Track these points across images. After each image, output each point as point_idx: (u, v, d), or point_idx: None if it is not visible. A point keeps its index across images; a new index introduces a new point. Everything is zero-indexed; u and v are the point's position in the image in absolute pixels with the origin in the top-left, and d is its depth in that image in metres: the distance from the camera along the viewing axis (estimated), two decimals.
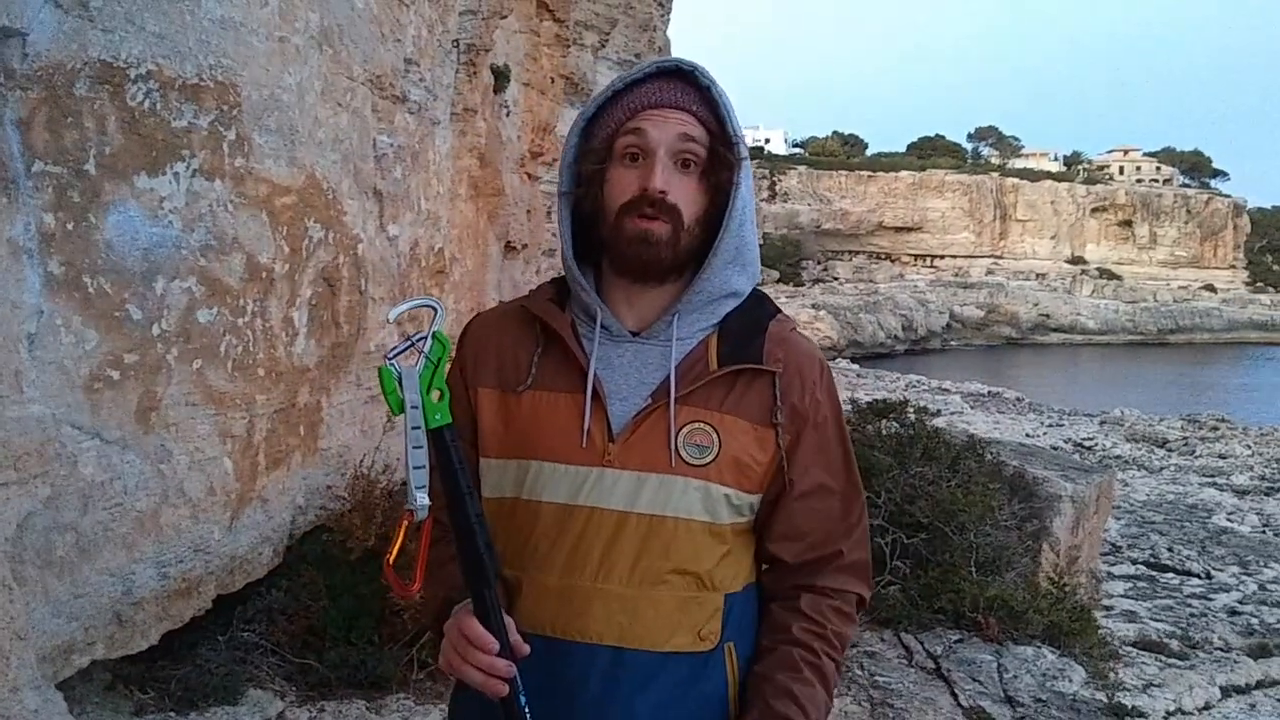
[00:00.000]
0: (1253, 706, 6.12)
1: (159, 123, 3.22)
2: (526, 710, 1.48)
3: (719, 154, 1.61)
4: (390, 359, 1.45)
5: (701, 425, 1.57)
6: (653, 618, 1.56)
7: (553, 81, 8.83)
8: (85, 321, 3.02)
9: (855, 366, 39.52)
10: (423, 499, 1.43)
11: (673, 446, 1.56)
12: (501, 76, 7.25)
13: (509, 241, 7.82)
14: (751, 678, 1.62)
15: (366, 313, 4.78)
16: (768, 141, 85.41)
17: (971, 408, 27.86)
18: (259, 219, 3.81)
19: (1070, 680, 5.09)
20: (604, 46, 10.80)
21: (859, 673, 4.95)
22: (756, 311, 1.69)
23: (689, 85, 1.64)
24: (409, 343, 1.47)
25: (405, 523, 1.44)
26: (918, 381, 34.06)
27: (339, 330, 4.52)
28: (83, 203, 2.97)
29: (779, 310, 1.73)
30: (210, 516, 3.69)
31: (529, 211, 8.34)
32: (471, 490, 1.47)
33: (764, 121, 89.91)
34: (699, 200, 1.62)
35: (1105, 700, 4.91)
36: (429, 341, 1.46)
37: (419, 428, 1.43)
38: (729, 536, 1.61)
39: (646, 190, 1.57)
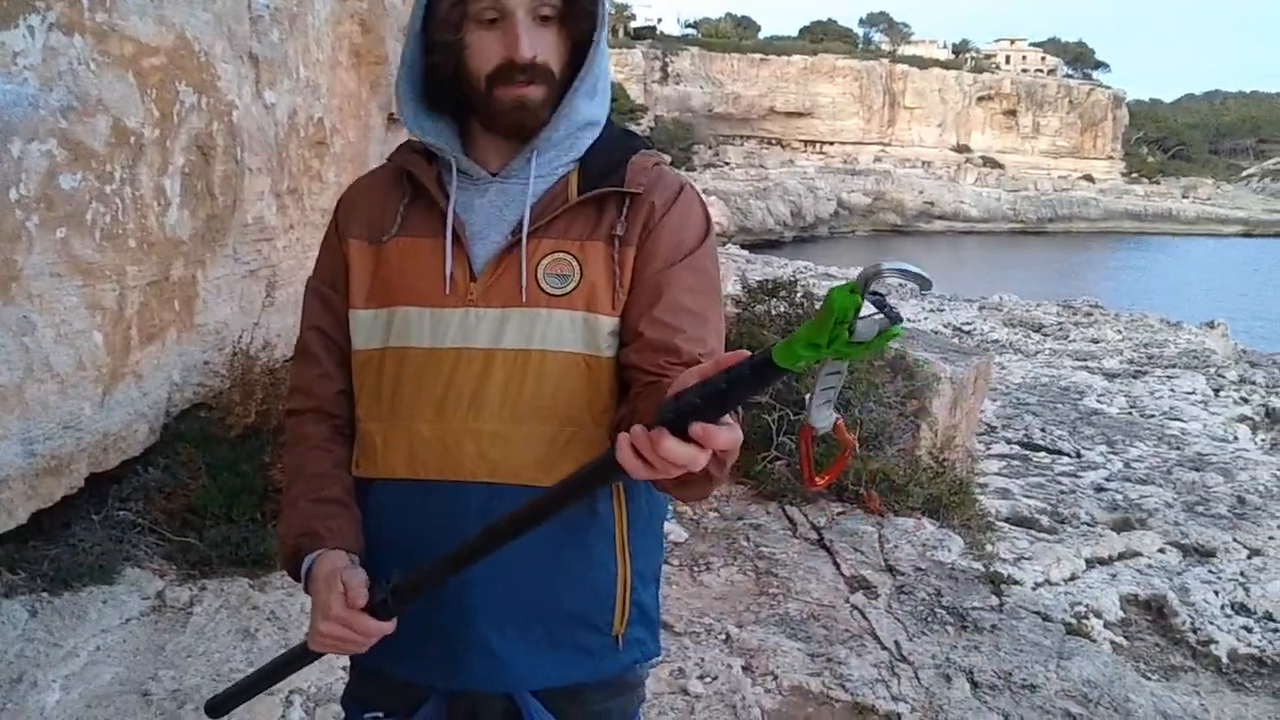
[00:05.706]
0: (1114, 576, 6.43)
1: None
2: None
3: (578, 2, 1.54)
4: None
5: (562, 255, 1.54)
6: (526, 453, 1.52)
7: None
8: None
9: (745, 253, 39.71)
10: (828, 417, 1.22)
11: (527, 279, 1.52)
12: None
13: (392, 114, 7.55)
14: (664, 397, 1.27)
15: (243, 184, 4.59)
16: (660, 21, 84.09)
17: None
18: (125, 80, 3.60)
19: (949, 550, 5.27)
20: None
21: (744, 544, 5.05)
22: (622, 144, 1.64)
23: None
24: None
25: (810, 434, 1.22)
26: (806, 268, 34.34)
27: (214, 201, 4.34)
28: None
29: (649, 145, 1.68)
30: (80, 392, 3.55)
31: None
32: None
33: (655, 0, 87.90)
34: (562, 50, 1.56)
35: (982, 569, 5.09)
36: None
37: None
38: (608, 367, 1.55)
39: (514, 60, 1.51)
